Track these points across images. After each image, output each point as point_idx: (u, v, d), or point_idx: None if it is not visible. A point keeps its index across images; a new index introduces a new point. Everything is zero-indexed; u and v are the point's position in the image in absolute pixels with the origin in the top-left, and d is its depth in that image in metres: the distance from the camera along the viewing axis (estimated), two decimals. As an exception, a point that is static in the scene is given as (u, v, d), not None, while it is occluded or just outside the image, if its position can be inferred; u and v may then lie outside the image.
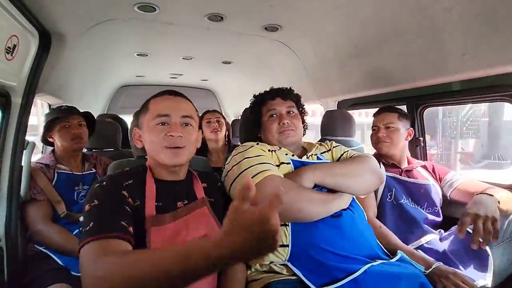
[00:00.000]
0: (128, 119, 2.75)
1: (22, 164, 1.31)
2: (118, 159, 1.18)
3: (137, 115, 0.96)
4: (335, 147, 1.23)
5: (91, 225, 0.69)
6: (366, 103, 2.27)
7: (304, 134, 1.26)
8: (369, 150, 2.04)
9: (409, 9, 1.29)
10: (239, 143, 1.48)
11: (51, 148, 1.60)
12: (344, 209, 1.01)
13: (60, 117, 1.50)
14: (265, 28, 1.75)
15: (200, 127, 2.06)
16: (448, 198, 1.43)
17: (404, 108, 1.77)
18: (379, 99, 2.06)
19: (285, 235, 0.94)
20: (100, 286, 0.56)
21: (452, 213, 1.46)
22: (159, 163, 0.88)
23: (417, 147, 1.88)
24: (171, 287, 0.55)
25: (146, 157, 0.95)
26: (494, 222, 1.00)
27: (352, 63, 1.88)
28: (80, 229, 0.72)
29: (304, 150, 1.21)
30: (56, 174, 1.47)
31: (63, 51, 1.59)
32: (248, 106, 1.38)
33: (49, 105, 2.14)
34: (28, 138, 1.33)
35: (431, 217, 1.37)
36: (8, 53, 1.10)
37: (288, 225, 0.94)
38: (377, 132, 1.50)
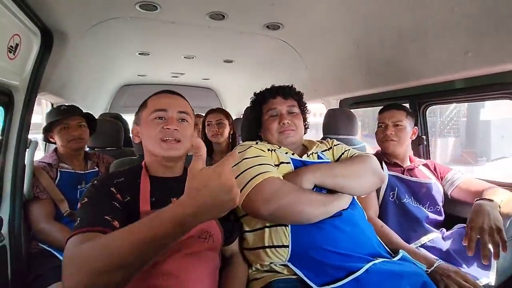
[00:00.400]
0: (130, 118, 2.76)
1: (25, 162, 1.32)
2: (120, 158, 1.19)
3: (137, 113, 0.98)
4: (336, 145, 1.22)
5: (78, 221, 0.72)
6: (368, 101, 2.26)
7: (305, 133, 1.25)
8: (369, 149, 2.04)
9: (411, 7, 1.28)
10: (241, 142, 1.48)
11: (54, 146, 1.60)
12: (344, 209, 1.00)
13: (58, 119, 1.50)
14: (267, 27, 1.74)
15: (203, 127, 2.07)
16: (449, 196, 1.42)
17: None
18: (381, 97, 2.05)
19: (285, 236, 0.94)
20: (79, 268, 0.57)
21: (454, 212, 1.46)
22: (155, 158, 0.91)
23: (419, 145, 1.87)
24: (146, 255, 0.57)
25: None
26: (500, 232, 1.00)
27: (354, 61, 1.88)
28: None
29: (305, 148, 1.20)
30: (59, 173, 1.48)
31: (65, 50, 1.59)
32: (249, 105, 1.38)
33: (52, 104, 2.15)
34: (34, 136, 1.34)
35: (433, 216, 1.36)
36: (10, 52, 1.10)
37: (287, 226, 0.94)
38: (385, 129, 1.46)
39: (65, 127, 1.50)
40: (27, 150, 1.32)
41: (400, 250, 1.01)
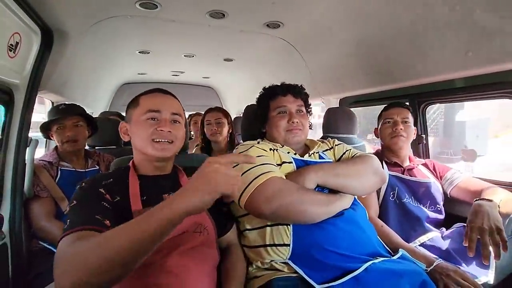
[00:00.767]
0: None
1: (26, 161, 1.32)
2: (121, 156, 1.19)
3: (127, 110, 0.97)
4: (337, 145, 1.22)
5: (68, 222, 0.71)
6: (368, 100, 2.26)
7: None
8: (369, 148, 2.04)
9: (411, 5, 1.28)
10: (241, 141, 1.48)
11: (55, 144, 1.60)
12: (346, 208, 1.01)
13: (55, 118, 1.50)
14: (267, 25, 1.74)
15: (202, 125, 2.07)
16: (448, 196, 1.42)
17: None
18: (382, 96, 2.05)
19: (286, 235, 0.94)
20: (75, 266, 0.57)
21: (454, 211, 1.46)
22: (145, 157, 0.91)
23: (419, 144, 1.88)
24: (142, 252, 0.58)
25: None
26: (500, 232, 1.00)
27: (354, 60, 1.88)
28: None
29: (306, 147, 1.20)
30: (59, 171, 1.48)
31: (65, 49, 1.59)
32: (250, 103, 1.38)
33: (52, 103, 2.15)
34: (35, 135, 1.34)
35: (433, 215, 1.37)
36: (10, 50, 1.10)
37: (289, 225, 0.94)
38: (395, 125, 1.45)
39: (60, 127, 1.50)
40: (28, 148, 1.32)
41: (399, 249, 1.02)
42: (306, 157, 1.10)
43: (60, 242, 0.66)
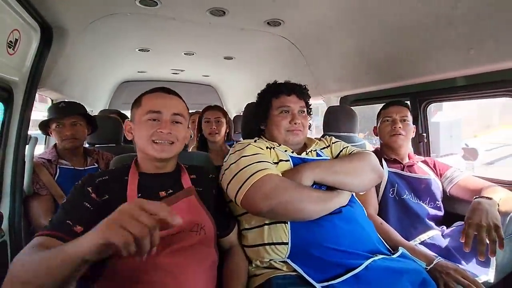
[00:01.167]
0: (130, 115, 2.74)
1: (25, 158, 1.32)
2: (120, 154, 1.19)
3: (132, 109, 0.98)
4: (334, 142, 1.22)
5: (49, 221, 0.76)
6: (369, 98, 2.25)
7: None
8: (369, 147, 2.04)
9: (413, 3, 1.27)
10: (241, 139, 1.48)
11: (54, 142, 1.60)
12: (344, 205, 1.00)
13: (53, 117, 1.50)
14: (267, 23, 1.73)
15: (199, 123, 2.06)
16: (448, 194, 1.42)
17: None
18: (382, 95, 2.04)
19: (284, 233, 0.94)
20: (11, 275, 0.61)
21: (454, 209, 1.46)
22: (147, 156, 0.91)
23: (420, 143, 1.87)
24: (55, 279, 0.56)
25: None
26: (497, 229, 1.00)
27: (355, 59, 1.87)
28: None
29: (304, 145, 1.20)
30: (58, 169, 1.48)
31: (64, 46, 1.58)
32: (250, 102, 1.37)
33: (52, 100, 2.15)
34: (36, 132, 1.34)
35: (433, 212, 1.36)
36: (10, 47, 1.10)
37: (287, 223, 0.94)
38: (394, 123, 1.46)
39: (59, 125, 1.49)
40: (27, 146, 1.32)
41: (399, 247, 1.02)
42: (303, 155, 1.10)
43: (32, 240, 0.70)
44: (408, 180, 1.42)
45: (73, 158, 1.55)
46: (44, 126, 1.54)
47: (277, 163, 1.03)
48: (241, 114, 1.61)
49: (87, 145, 1.78)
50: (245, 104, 1.46)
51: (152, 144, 0.88)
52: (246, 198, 0.90)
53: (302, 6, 1.52)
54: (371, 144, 2.21)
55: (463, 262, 1.13)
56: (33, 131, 1.65)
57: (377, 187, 1.38)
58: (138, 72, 3.25)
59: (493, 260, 1.08)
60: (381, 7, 1.38)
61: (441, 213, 1.39)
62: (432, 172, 1.47)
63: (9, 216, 1.24)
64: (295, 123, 1.11)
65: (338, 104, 2.45)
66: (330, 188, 1.00)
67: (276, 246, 0.94)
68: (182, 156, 1.19)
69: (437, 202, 1.39)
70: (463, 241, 1.02)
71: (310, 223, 0.92)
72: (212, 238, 0.92)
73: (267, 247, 0.95)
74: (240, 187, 0.91)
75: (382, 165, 1.39)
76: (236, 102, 4.01)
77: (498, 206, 1.11)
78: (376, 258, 0.88)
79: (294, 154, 1.09)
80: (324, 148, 1.20)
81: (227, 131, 2.06)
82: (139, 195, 0.85)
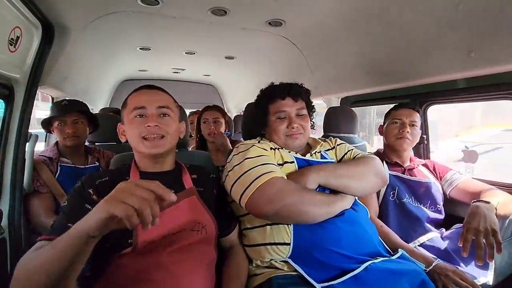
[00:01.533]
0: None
1: (25, 156, 1.32)
2: (121, 153, 1.19)
3: (121, 112, 0.98)
4: (339, 144, 1.21)
5: (52, 224, 0.77)
6: (369, 100, 2.26)
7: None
8: (369, 148, 2.04)
9: (414, 4, 1.27)
10: (242, 139, 1.47)
11: (54, 137, 1.60)
12: (346, 208, 1.00)
13: (55, 115, 1.50)
14: (269, 23, 1.73)
15: (198, 123, 2.05)
16: (448, 196, 1.42)
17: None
18: (383, 96, 2.04)
19: (286, 234, 0.94)
20: (17, 275, 0.63)
21: (454, 211, 1.46)
22: (142, 155, 0.92)
23: (420, 144, 1.87)
24: (61, 267, 0.58)
25: None
26: (495, 234, 1.00)
27: (356, 60, 1.87)
28: None
29: (308, 146, 1.19)
30: (59, 167, 1.48)
31: (66, 44, 1.58)
32: (251, 102, 1.36)
33: (52, 98, 2.15)
34: (38, 132, 1.34)
35: (433, 215, 1.36)
36: (11, 44, 1.10)
37: (289, 224, 0.94)
38: (402, 127, 1.44)
39: (61, 123, 1.50)
40: (27, 143, 1.31)
41: (399, 249, 1.02)
42: (308, 157, 1.10)
43: (35, 245, 0.71)
44: (409, 183, 1.41)
45: (74, 156, 1.55)
46: (47, 124, 1.54)
47: (281, 164, 1.02)
48: (242, 114, 1.61)
49: (87, 144, 1.78)
50: (245, 104, 1.45)
51: (142, 141, 0.88)
52: (250, 201, 0.89)
53: (304, 6, 1.52)
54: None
55: (462, 264, 1.13)
56: (37, 129, 1.66)
57: (378, 190, 1.38)
58: (139, 70, 3.25)
59: (492, 263, 1.08)
60: (383, 9, 1.38)
61: (441, 216, 1.39)
62: (432, 176, 1.47)
63: (9, 213, 1.24)
64: (293, 128, 1.09)
65: (339, 105, 2.45)
66: (334, 192, 1.00)
67: (278, 246, 0.94)
68: (183, 155, 1.19)
69: (437, 205, 1.39)
70: (461, 246, 1.03)
71: (312, 225, 0.92)
72: (213, 237, 0.92)
73: (269, 247, 0.95)
74: (245, 190, 0.90)
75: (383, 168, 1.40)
76: (236, 102, 4.01)
77: (496, 210, 1.11)
78: (376, 260, 0.89)
79: (299, 155, 1.08)
80: (328, 150, 1.18)
81: (226, 130, 2.05)
82: None
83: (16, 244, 1.25)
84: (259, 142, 1.09)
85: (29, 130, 1.34)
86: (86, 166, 1.57)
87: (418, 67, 1.55)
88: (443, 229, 1.36)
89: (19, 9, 1.09)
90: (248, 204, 0.90)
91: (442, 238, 1.30)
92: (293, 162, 1.04)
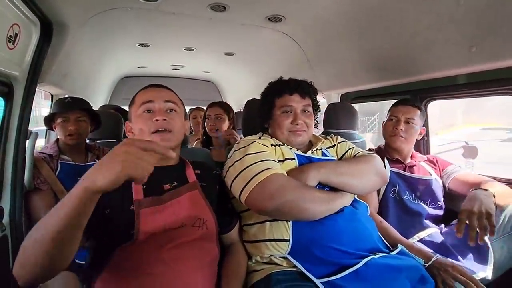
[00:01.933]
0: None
1: (26, 153, 1.32)
2: (121, 150, 1.19)
3: (129, 110, 0.99)
4: (340, 142, 1.21)
5: None
6: (369, 96, 2.25)
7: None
8: (369, 144, 2.04)
9: (415, 0, 1.26)
10: (242, 136, 1.47)
11: (54, 134, 1.60)
12: (346, 205, 1.01)
13: (58, 111, 1.50)
14: (269, 19, 1.72)
15: (204, 120, 2.06)
16: (447, 189, 1.43)
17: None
18: (383, 92, 2.04)
19: (286, 230, 0.94)
20: (22, 249, 0.65)
21: (453, 207, 1.47)
22: None
23: (420, 140, 1.87)
24: (63, 231, 0.59)
25: None
26: (489, 217, 1.01)
27: (356, 55, 1.86)
28: None
29: (310, 143, 1.19)
30: (59, 165, 1.48)
31: (64, 41, 1.57)
32: (251, 98, 1.36)
33: (52, 96, 2.14)
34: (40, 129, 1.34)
35: (434, 212, 1.37)
36: (9, 41, 1.09)
37: (289, 220, 0.94)
38: (396, 124, 1.43)
39: (64, 120, 1.50)
40: (28, 141, 1.31)
41: (398, 245, 1.02)
42: (309, 154, 1.10)
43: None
44: (410, 181, 1.41)
45: (74, 154, 1.55)
46: (49, 121, 1.55)
47: (282, 161, 1.02)
48: (242, 110, 1.61)
49: (88, 141, 1.78)
50: (245, 100, 1.45)
51: (151, 136, 0.88)
52: (250, 197, 0.90)
53: (304, 2, 1.51)
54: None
55: (461, 259, 1.14)
56: (40, 127, 1.66)
57: (378, 189, 1.38)
58: (138, 67, 3.23)
59: (491, 257, 1.09)
60: (383, 3, 1.37)
61: (441, 213, 1.39)
62: (433, 172, 1.47)
63: (10, 210, 1.24)
64: (297, 124, 1.09)
65: (339, 101, 2.44)
66: (333, 189, 1.00)
67: (277, 242, 0.94)
68: (183, 152, 1.20)
69: (438, 202, 1.39)
70: (458, 235, 1.04)
71: (312, 221, 0.93)
72: (214, 234, 0.93)
73: (268, 243, 0.95)
74: (245, 186, 0.91)
75: (384, 164, 1.39)
76: (236, 99, 3.99)
77: (494, 197, 1.12)
78: (375, 256, 0.89)
79: (300, 152, 1.08)
80: (330, 147, 1.18)
81: (231, 127, 2.05)
82: (144, 187, 0.85)
83: (18, 241, 1.26)
84: (260, 138, 1.09)
85: (35, 129, 1.34)
86: (86, 164, 1.57)
87: (419, 63, 1.54)
88: (442, 225, 1.37)
89: (17, 6, 1.08)
90: (248, 200, 0.90)
91: (442, 233, 1.31)
92: (293, 159, 1.04)
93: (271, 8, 1.60)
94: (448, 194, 1.44)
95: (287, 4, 1.55)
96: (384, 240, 1.06)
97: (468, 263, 1.12)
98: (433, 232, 1.29)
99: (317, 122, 1.23)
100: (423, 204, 1.37)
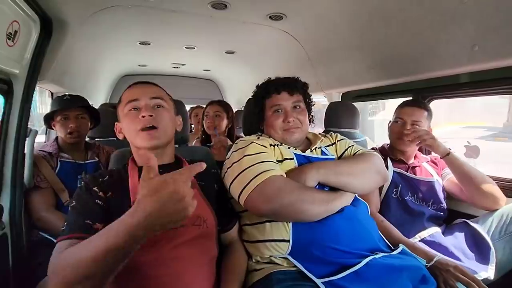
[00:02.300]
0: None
1: (25, 151, 1.31)
2: (121, 148, 1.18)
3: (117, 110, 0.98)
4: (339, 140, 1.20)
5: (65, 225, 0.76)
6: (371, 94, 2.24)
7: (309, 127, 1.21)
8: (370, 143, 2.03)
9: (418, -3, 1.25)
10: (242, 134, 1.46)
11: (54, 133, 1.60)
12: (346, 205, 1.00)
13: (58, 109, 1.49)
14: (270, 17, 1.71)
15: (203, 117, 2.05)
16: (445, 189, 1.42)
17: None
18: (385, 91, 2.03)
19: (285, 231, 0.93)
20: (52, 276, 0.62)
21: (454, 207, 1.46)
22: (140, 150, 0.92)
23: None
24: (108, 266, 0.57)
25: None
26: (428, 132, 1.34)
27: (357, 54, 1.85)
28: None
29: (308, 142, 1.18)
30: (59, 163, 1.48)
31: (64, 38, 1.57)
32: (251, 97, 1.35)
33: (51, 93, 2.14)
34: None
35: (436, 213, 1.36)
36: (9, 39, 1.09)
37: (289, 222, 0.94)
38: (403, 126, 1.41)
39: (64, 118, 1.49)
40: (27, 139, 1.31)
41: (400, 244, 1.01)
42: (308, 153, 1.09)
43: (56, 245, 0.71)
44: (412, 182, 1.40)
45: (74, 152, 1.55)
46: (48, 119, 1.54)
47: (281, 161, 1.02)
48: (242, 109, 1.60)
49: (87, 139, 1.77)
50: (246, 99, 1.44)
51: (138, 134, 0.87)
52: (249, 199, 0.89)
53: (305, 0, 1.50)
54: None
55: (463, 259, 1.14)
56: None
57: (381, 186, 1.37)
58: (139, 65, 3.22)
59: (493, 258, 1.09)
60: (385, 2, 1.36)
61: (443, 215, 1.38)
62: (435, 173, 1.45)
63: (10, 209, 1.24)
64: (289, 122, 1.08)
65: (340, 100, 2.43)
66: (333, 188, 0.99)
67: (277, 243, 0.93)
68: (183, 151, 1.19)
69: (440, 204, 1.37)
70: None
71: (312, 222, 0.92)
72: (214, 232, 0.92)
73: (268, 243, 0.95)
74: (243, 188, 0.90)
75: (387, 164, 1.38)
76: (237, 97, 3.98)
77: (450, 153, 1.31)
78: (376, 256, 0.88)
79: (299, 152, 1.07)
80: (329, 145, 1.18)
81: (229, 126, 2.04)
82: None
83: (17, 239, 1.25)
84: (258, 138, 1.08)
85: (41, 128, 1.33)
86: (85, 162, 1.57)
87: (421, 61, 1.53)
88: (444, 225, 1.36)
89: (17, 3, 1.08)
90: (247, 203, 0.90)
91: (443, 233, 1.30)
92: (292, 158, 1.03)
93: (272, 6, 1.59)
94: (450, 195, 1.43)
95: (288, 2, 1.54)
96: (386, 240, 1.06)
97: (470, 263, 1.12)
98: (434, 232, 1.29)
99: (312, 116, 1.21)
100: (425, 206, 1.36)
